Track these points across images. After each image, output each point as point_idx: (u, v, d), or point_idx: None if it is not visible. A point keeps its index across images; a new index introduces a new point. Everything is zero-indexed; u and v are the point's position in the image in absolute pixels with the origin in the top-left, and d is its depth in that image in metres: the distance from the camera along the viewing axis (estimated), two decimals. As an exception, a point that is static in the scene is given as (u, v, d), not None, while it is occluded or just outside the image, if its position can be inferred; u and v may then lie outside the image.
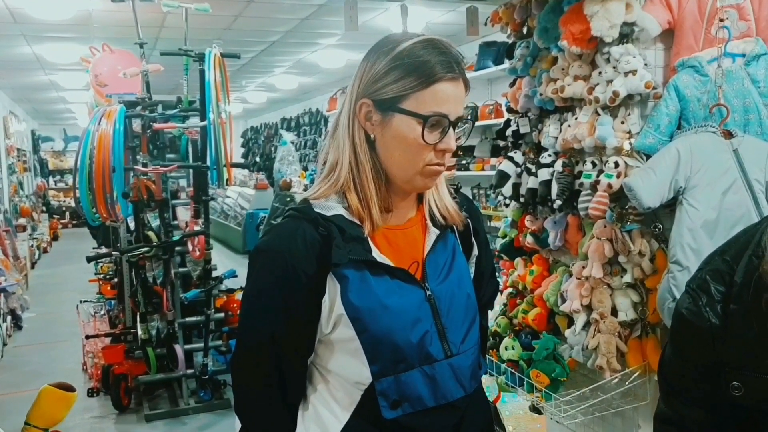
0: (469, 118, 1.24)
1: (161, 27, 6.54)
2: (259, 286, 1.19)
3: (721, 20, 2.00)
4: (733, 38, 2.00)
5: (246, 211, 10.70)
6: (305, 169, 11.79)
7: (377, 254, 1.18)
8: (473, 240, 1.35)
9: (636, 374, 2.14)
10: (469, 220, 1.32)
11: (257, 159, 15.78)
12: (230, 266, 5.73)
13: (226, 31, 6.81)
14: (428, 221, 1.27)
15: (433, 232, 1.26)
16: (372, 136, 1.18)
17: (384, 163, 1.19)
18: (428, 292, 1.20)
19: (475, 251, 1.36)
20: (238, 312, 1.25)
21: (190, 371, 4.36)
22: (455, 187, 1.36)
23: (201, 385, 4.43)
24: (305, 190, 9.15)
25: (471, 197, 6.87)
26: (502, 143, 2.76)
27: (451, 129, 1.16)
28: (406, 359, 1.16)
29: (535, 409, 2.62)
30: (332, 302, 1.15)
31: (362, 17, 5.80)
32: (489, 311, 1.56)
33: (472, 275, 1.34)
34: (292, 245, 1.14)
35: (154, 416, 4.26)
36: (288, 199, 9.69)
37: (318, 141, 12.73)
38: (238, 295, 4.97)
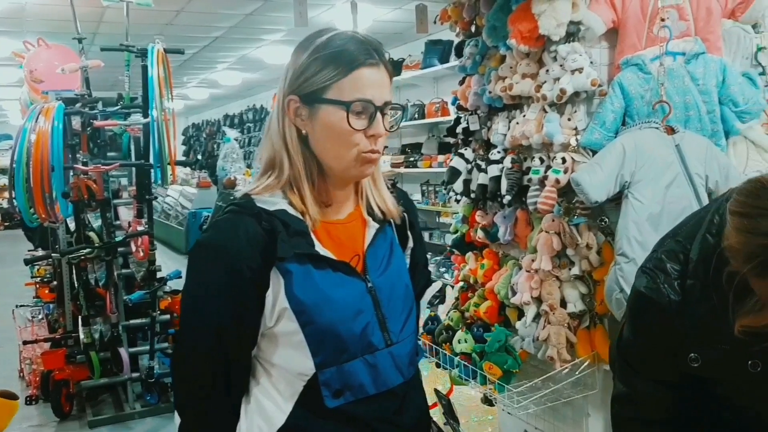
0: (399, 105, 1.27)
1: (100, 21, 6.35)
2: (202, 282, 1.19)
3: (663, 20, 2.07)
4: (673, 37, 2.07)
5: (188, 211, 10.47)
6: (249, 166, 11.63)
7: (320, 248, 1.20)
8: (408, 233, 1.40)
9: (585, 364, 2.19)
10: (405, 214, 1.37)
11: (199, 157, 15.49)
12: (173, 267, 5.60)
13: (168, 26, 6.67)
14: (367, 216, 1.30)
15: (373, 226, 1.29)
16: (304, 132, 1.21)
17: (319, 157, 1.21)
18: (369, 284, 1.23)
19: (410, 243, 1.41)
20: (180, 308, 1.23)
21: (135, 375, 4.25)
22: (392, 182, 1.40)
23: (147, 388, 4.32)
24: (251, 188, 9.09)
25: (421, 194, 6.95)
26: (452, 140, 2.80)
27: (379, 114, 1.18)
28: (348, 350, 1.19)
29: (488, 401, 2.67)
30: (276, 296, 1.17)
31: (310, 13, 5.77)
32: (422, 300, 1.61)
33: (407, 265, 1.38)
34: (235, 240, 1.15)
35: (98, 422, 4.14)
36: (232, 198, 9.54)
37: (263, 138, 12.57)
38: (184, 296, 4.86)
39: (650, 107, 2.08)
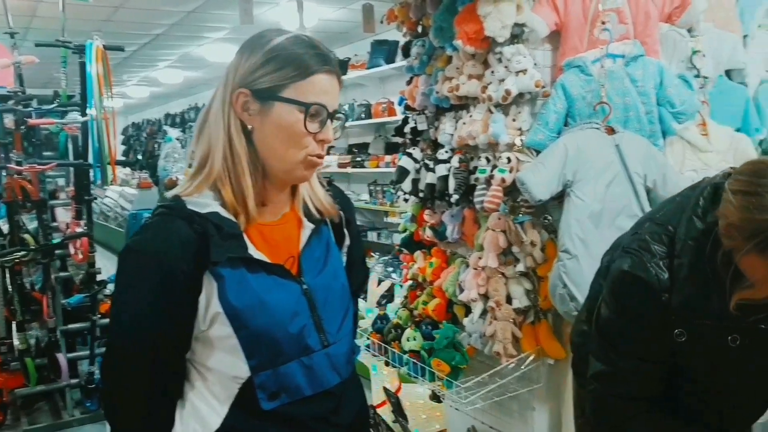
0: (344, 113, 1.27)
1: (33, 16, 6.12)
2: (134, 287, 1.15)
3: (603, 23, 2.13)
4: (613, 40, 2.14)
5: (128, 212, 10.20)
6: (191, 166, 11.39)
7: (254, 251, 1.18)
8: (345, 231, 1.39)
9: (531, 358, 2.24)
10: (342, 212, 1.36)
11: (139, 157, 15.10)
12: (113, 269, 5.46)
13: (106, 22, 6.48)
14: (303, 216, 1.29)
15: (308, 227, 1.28)
16: (250, 126, 1.18)
17: (262, 154, 1.19)
18: (304, 286, 1.22)
19: (347, 241, 1.40)
20: (110, 313, 1.20)
21: (74, 381, 4.12)
22: (328, 180, 1.39)
23: (87, 394, 4.19)
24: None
25: (368, 194, 6.94)
26: (400, 140, 2.81)
27: (329, 120, 1.19)
28: (284, 353, 1.18)
29: (435, 398, 2.70)
30: (208, 301, 1.15)
31: (255, 11, 5.71)
32: (361, 298, 1.60)
33: (344, 264, 1.38)
34: (167, 244, 1.12)
35: (34, 431, 3.99)
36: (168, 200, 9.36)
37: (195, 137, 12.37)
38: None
39: (591, 108, 2.15)
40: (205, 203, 1.16)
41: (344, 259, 1.38)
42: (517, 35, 2.20)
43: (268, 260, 1.19)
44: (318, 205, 1.30)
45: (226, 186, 1.17)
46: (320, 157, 1.21)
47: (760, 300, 1.24)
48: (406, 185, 2.62)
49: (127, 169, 12.70)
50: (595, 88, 2.13)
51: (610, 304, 1.43)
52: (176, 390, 1.24)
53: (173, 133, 11.52)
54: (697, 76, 2.28)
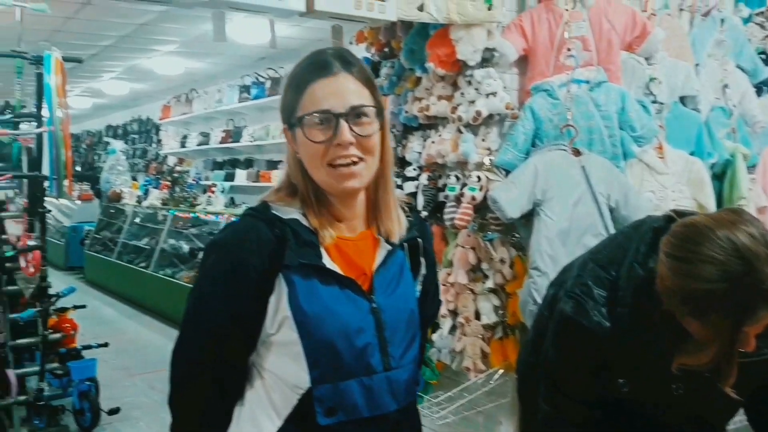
0: (371, 105, 1.21)
1: (-23, 23, 5.93)
2: (210, 278, 1.21)
3: (569, 50, 2.24)
4: (579, 66, 2.24)
5: (62, 225, 9.95)
6: (134, 179, 11.14)
7: (328, 261, 1.20)
8: (421, 259, 1.37)
9: (499, 374, 2.30)
10: (419, 240, 1.34)
11: (78, 168, 14.67)
12: (53, 282, 5.27)
13: (55, 32, 6.32)
14: (380, 237, 1.29)
15: (385, 247, 1.28)
16: (299, 156, 1.23)
17: (311, 177, 1.23)
18: (374, 305, 1.23)
19: (423, 270, 1.38)
20: (187, 304, 1.24)
21: (21, 398, 3.97)
22: (409, 206, 1.37)
23: (35, 412, 4.04)
24: (138, 202, 8.71)
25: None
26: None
27: (342, 121, 1.16)
28: (345, 368, 1.19)
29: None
30: (278, 303, 1.17)
31: (208, 26, 5.67)
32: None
33: (418, 293, 1.36)
34: (245, 241, 1.17)
35: (-23, 453, 3.83)
36: (112, 211, 9.15)
37: (149, 150, 12.14)
38: (71, 314, 4.61)
39: (558, 130, 2.24)
40: (288, 210, 1.21)
41: (419, 288, 1.36)
42: (487, 59, 2.28)
43: (341, 272, 1.20)
44: (387, 225, 1.29)
45: (305, 207, 1.23)
46: (349, 164, 1.17)
47: (701, 366, 1.20)
48: (374, 203, 2.66)
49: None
50: (561, 111, 2.23)
51: (555, 345, 1.42)
52: (237, 391, 1.26)
53: (117, 145, 11.28)
54: (654, 101, 2.41)
